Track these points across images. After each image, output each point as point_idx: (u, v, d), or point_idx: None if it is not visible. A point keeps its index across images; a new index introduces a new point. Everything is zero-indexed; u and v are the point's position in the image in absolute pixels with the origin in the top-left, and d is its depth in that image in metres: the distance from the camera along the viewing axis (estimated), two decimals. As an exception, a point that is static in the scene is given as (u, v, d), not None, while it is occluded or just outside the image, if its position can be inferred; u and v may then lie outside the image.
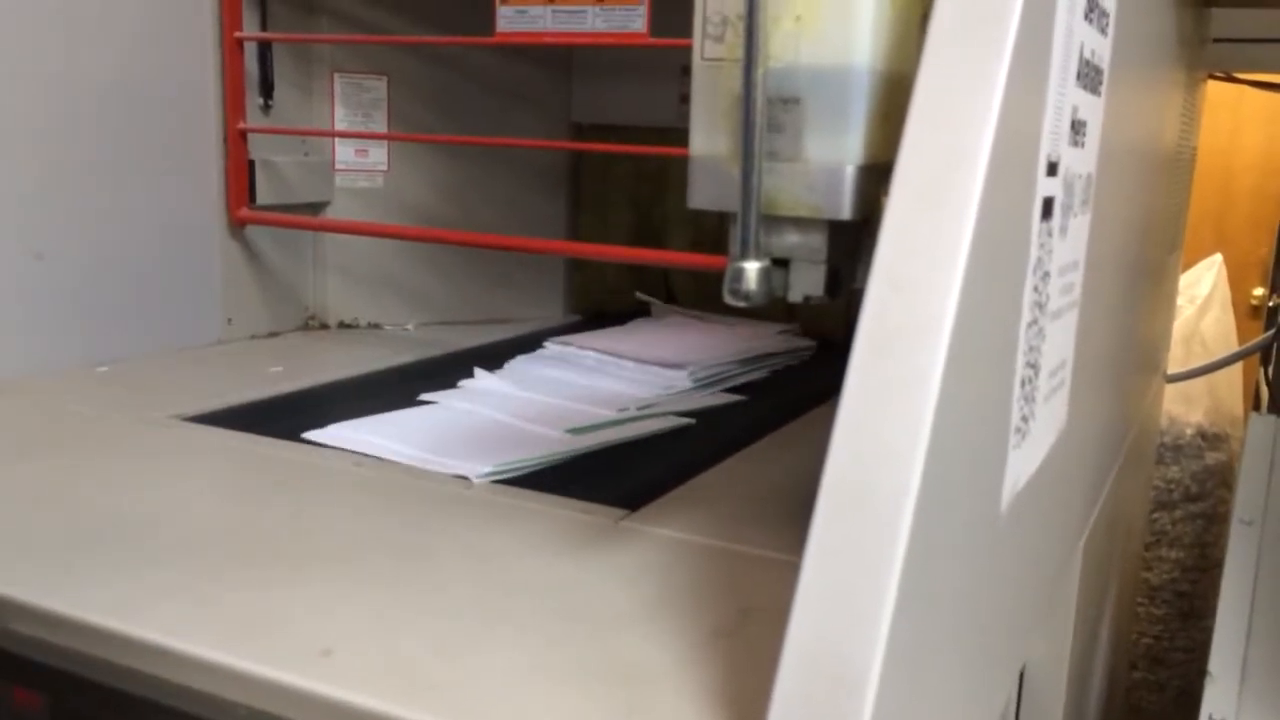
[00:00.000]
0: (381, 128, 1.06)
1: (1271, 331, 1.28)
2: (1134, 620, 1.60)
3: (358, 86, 1.04)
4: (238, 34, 0.93)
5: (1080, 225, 0.48)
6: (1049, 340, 0.45)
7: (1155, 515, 1.63)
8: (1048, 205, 0.41)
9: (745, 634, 0.45)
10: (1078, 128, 0.44)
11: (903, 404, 0.31)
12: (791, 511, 0.60)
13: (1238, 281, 1.84)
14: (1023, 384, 0.41)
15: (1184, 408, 1.63)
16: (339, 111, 1.04)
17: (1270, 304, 1.76)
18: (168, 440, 0.69)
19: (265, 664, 0.41)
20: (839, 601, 0.30)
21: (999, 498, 0.40)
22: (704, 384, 0.89)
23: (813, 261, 0.42)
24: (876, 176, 0.41)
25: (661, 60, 1.06)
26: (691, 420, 0.79)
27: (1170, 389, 1.50)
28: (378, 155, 1.07)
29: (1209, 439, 1.63)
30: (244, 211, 0.95)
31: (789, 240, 0.42)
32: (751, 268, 0.41)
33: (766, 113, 0.40)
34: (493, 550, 0.53)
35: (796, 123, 0.40)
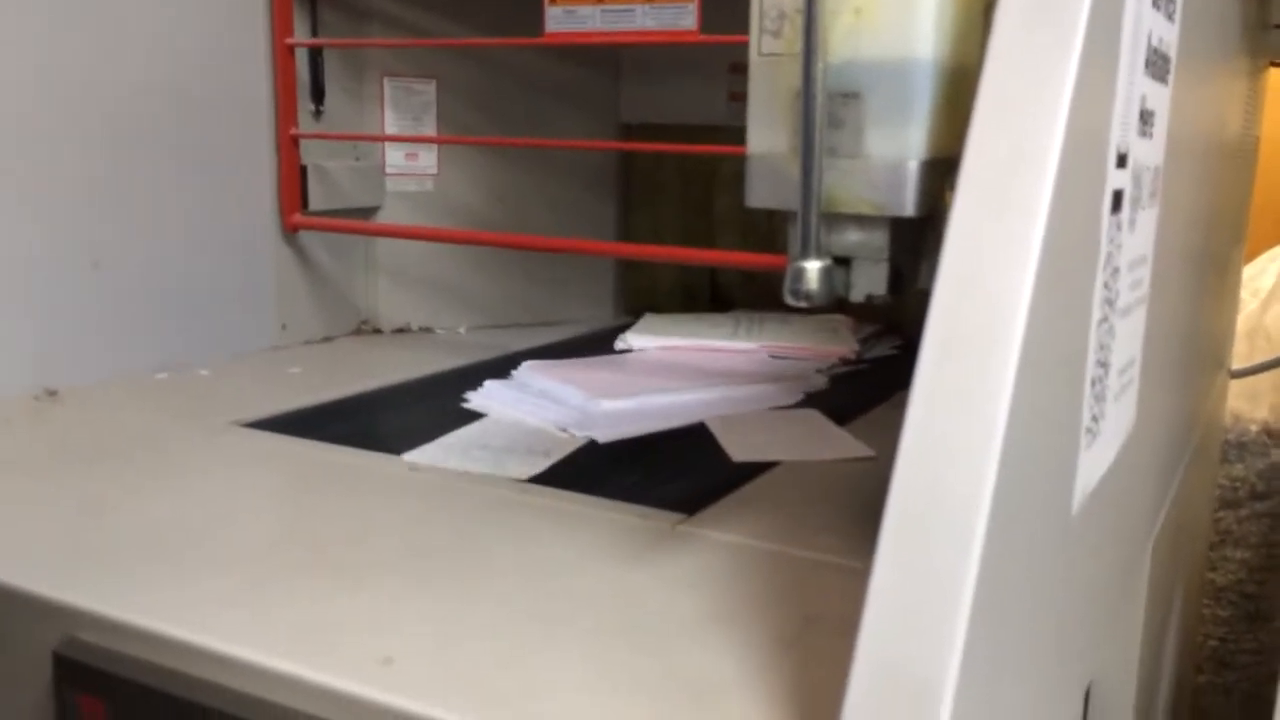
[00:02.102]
0: (431, 131, 1.07)
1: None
2: (1199, 622, 1.56)
3: (407, 90, 1.05)
4: (289, 40, 0.93)
5: (1148, 218, 0.46)
6: (1118, 338, 0.43)
7: (1220, 514, 1.59)
8: (1117, 198, 0.40)
9: (810, 643, 0.44)
10: (1146, 118, 0.43)
11: (974, 409, 0.30)
12: (854, 515, 0.59)
13: (1302, 273, 1.79)
14: (1093, 384, 0.40)
15: (1248, 404, 1.59)
16: (389, 115, 1.04)
17: (1337, 296, 1.71)
18: (226, 446, 0.69)
19: (326, 672, 0.41)
20: (910, 614, 0.29)
21: (1070, 501, 0.39)
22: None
23: (875, 260, 0.41)
24: (940, 171, 0.40)
25: (709, 58, 1.05)
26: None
27: (1234, 385, 1.47)
28: (427, 159, 1.07)
29: (1275, 436, 1.59)
30: (297, 217, 0.96)
31: (850, 238, 0.41)
32: (812, 267, 0.40)
33: (826, 108, 0.39)
34: (550, 556, 0.53)
35: (857, 118, 0.39)
